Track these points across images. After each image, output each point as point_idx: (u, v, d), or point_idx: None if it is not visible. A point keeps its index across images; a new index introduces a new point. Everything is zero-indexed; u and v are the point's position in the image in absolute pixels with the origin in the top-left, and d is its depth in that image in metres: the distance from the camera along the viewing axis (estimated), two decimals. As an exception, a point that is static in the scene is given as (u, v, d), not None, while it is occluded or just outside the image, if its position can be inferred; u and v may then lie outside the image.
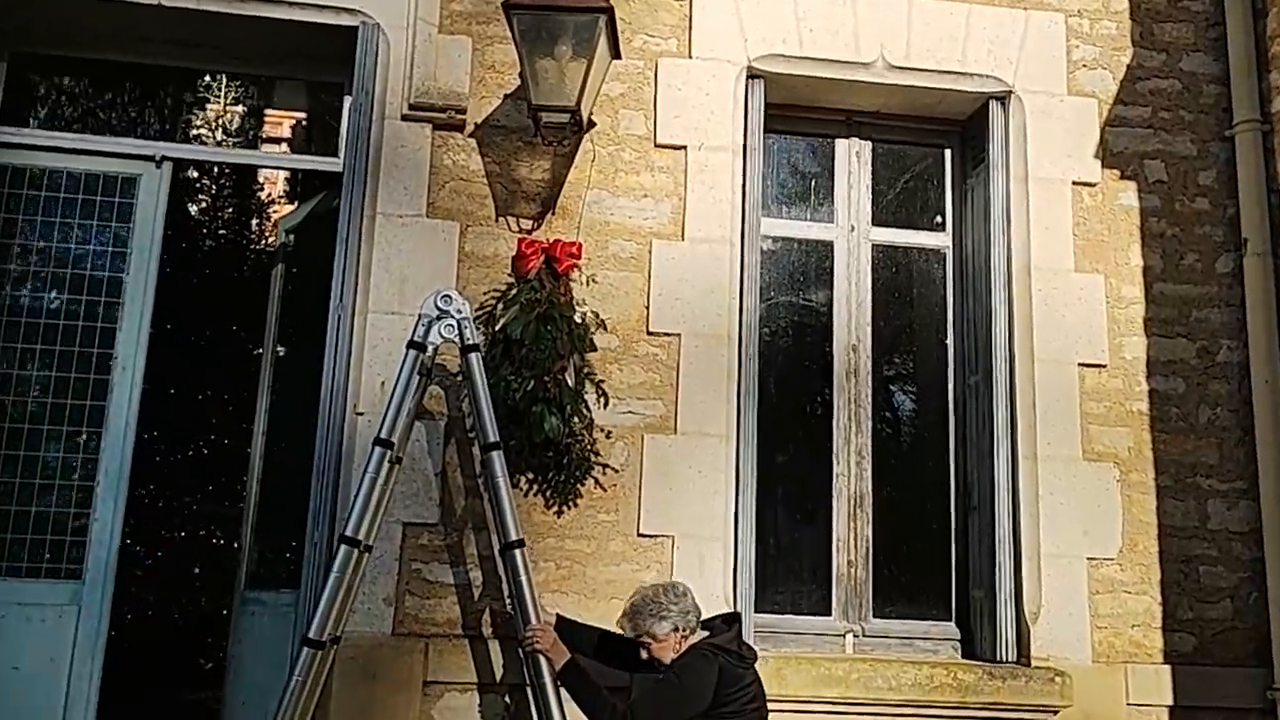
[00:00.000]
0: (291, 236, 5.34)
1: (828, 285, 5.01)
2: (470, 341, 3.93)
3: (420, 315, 3.93)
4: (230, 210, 8.21)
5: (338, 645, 3.93)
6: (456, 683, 4.09)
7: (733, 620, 3.77)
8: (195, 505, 8.00)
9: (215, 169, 7.61)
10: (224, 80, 6.88)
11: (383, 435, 3.75)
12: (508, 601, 4.09)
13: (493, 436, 3.85)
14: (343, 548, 3.62)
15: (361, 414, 4.23)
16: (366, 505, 3.68)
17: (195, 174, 7.17)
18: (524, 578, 3.74)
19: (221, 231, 8.15)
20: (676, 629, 3.52)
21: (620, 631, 3.62)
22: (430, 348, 3.96)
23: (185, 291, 7.45)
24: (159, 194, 4.73)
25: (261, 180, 8.10)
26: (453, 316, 3.91)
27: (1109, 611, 4.52)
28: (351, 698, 3.99)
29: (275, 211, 8.00)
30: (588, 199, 4.56)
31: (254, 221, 8.18)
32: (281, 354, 5.27)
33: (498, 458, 3.84)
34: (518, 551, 3.76)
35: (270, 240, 7.69)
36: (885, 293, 5.05)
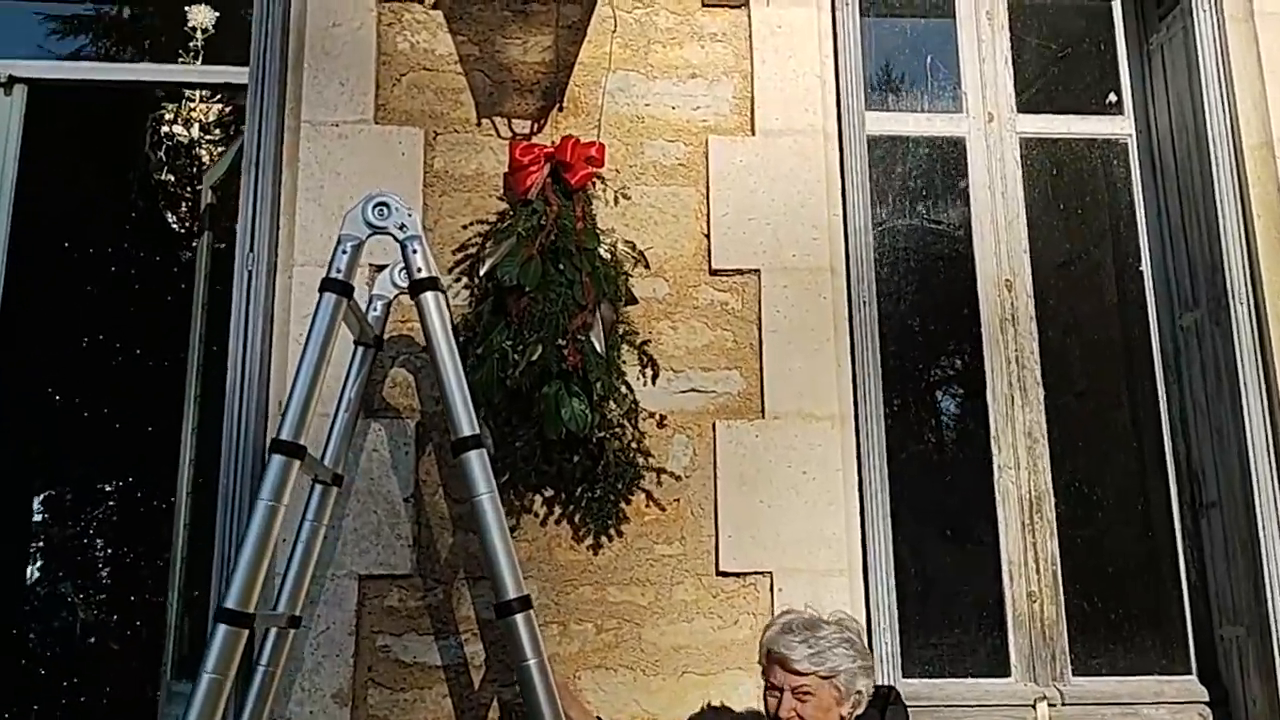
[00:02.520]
0: (219, 194, 4.00)
1: (962, 200, 3.61)
2: (423, 274, 2.43)
3: (341, 238, 2.41)
4: (136, 159, 6.67)
5: (252, 779, 2.46)
6: (451, 821, 2.77)
7: (885, 703, 2.45)
8: (104, 565, 6.49)
9: (105, 97, 5.93)
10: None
11: (284, 435, 2.24)
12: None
13: (467, 428, 2.35)
14: (220, 629, 2.10)
15: (289, 415, 2.83)
16: (261, 554, 2.16)
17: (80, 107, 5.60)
18: (532, 661, 2.23)
19: (122, 187, 6.58)
20: (860, 694, 2.35)
21: (785, 651, 2.31)
22: (376, 300, 2.49)
23: (77, 274, 6.00)
24: (9, 130, 3.42)
25: (184, 117, 6.55)
26: (393, 236, 2.41)
27: None
28: None
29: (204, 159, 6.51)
30: (609, 85, 3.22)
31: (172, 174, 6.66)
32: (213, 352, 3.92)
33: (477, 460, 2.33)
34: (519, 618, 2.26)
35: (192, 203, 6.24)
36: (1045, 205, 3.63)
